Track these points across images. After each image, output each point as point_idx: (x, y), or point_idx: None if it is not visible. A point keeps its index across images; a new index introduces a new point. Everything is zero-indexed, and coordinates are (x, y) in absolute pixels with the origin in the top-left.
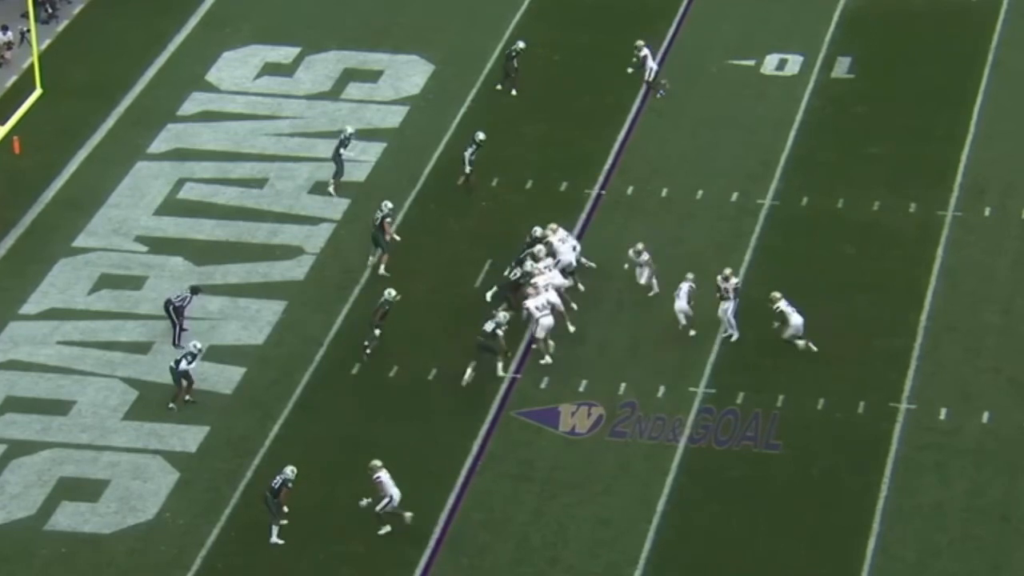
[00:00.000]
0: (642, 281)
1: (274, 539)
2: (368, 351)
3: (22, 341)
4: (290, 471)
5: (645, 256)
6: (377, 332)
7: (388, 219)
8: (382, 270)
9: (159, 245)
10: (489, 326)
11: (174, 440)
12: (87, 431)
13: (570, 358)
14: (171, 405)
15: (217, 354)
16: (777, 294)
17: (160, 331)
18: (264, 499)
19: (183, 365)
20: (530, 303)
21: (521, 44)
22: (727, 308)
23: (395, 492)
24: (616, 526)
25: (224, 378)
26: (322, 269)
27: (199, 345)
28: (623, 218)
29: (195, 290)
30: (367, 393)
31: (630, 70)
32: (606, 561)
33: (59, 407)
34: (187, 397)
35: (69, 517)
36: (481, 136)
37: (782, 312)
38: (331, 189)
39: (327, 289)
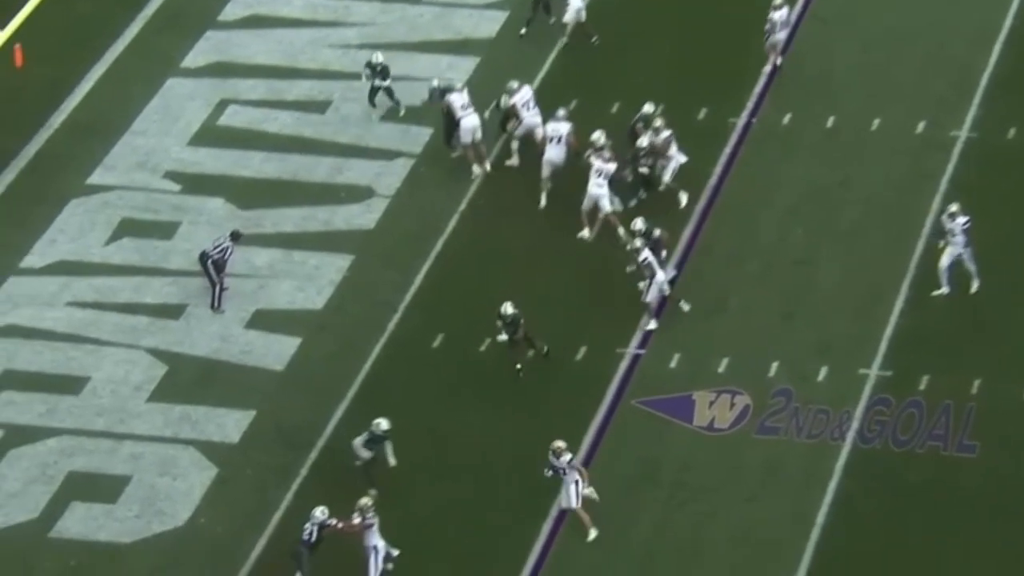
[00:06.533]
0: (647, 295)
1: None
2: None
3: (24, 301)
4: (320, 513)
5: (641, 252)
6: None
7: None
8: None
9: (194, 183)
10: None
11: (211, 427)
12: (103, 415)
13: (707, 330)
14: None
15: (265, 321)
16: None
17: (195, 291)
18: (296, 555)
19: (361, 443)
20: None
21: None
22: (954, 255)
23: (381, 543)
24: (764, 543)
25: (274, 351)
26: (397, 216)
27: (384, 426)
28: (777, 153)
29: (236, 236)
30: (453, 372)
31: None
32: None
33: (69, 384)
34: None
35: (80, 522)
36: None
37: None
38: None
39: (403, 240)
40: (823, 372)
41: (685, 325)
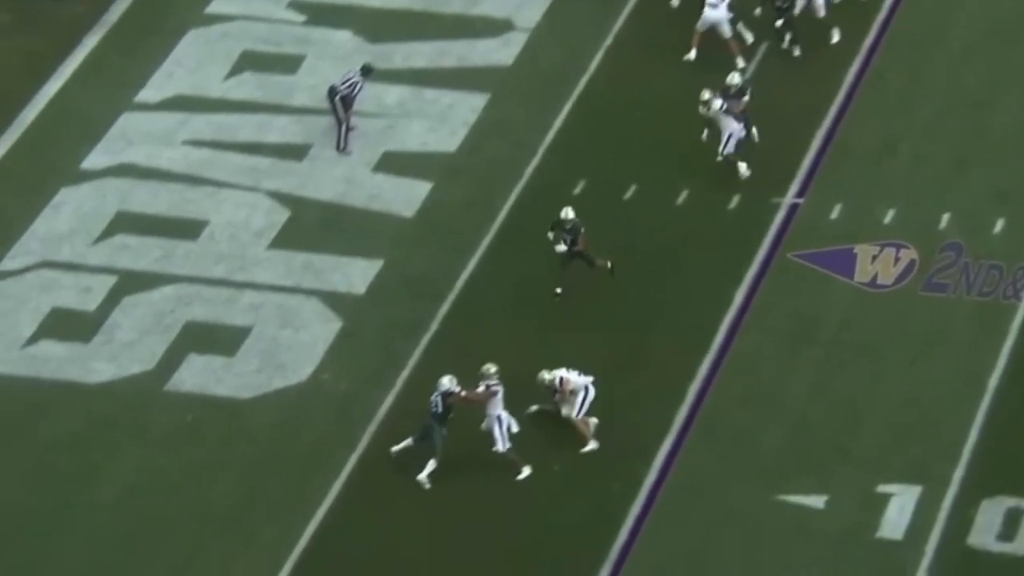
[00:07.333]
0: (723, 150)
1: (424, 477)
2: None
3: (138, 139)
4: (448, 382)
5: (716, 104)
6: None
7: None
8: None
9: (320, 14)
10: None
11: (336, 277)
12: (222, 262)
13: (873, 177)
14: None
15: (394, 164)
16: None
17: (319, 130)
18: (425, 431)
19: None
20: None
21: None
22: None
23: (505, 413)
24: (928, 408)
25: (403, 196)
26: (537, 51)
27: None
28: None
29: (367, 70)
30: (594, 220)
31: None
32: (913, 453)
33: (186, 228)
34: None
35: (197, 375)
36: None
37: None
38: None
39: (543, 78)
40: (999, 224)
41: (848, 172)
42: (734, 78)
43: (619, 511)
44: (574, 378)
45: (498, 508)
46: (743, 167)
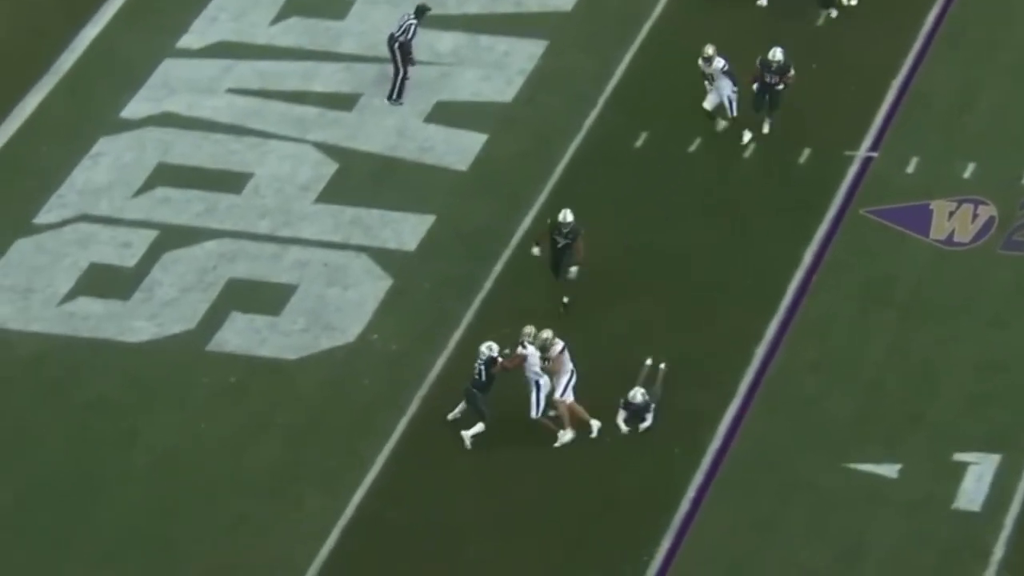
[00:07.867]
0: (707, 105)
1: (469, 436)
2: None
3: (181, 87)
4: (487, 349)
5: (718, 64)
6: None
7: None
8: None
9: None
10: None
11: (386, 233)
12: (267, 216)
13: (951, 130)
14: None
15: (447, 114)
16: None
17: (369, 79)
18: (468, 397)
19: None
20: None
21: None
22: None
23: (544, 379)
24: (1008, 372)
25: (456, 148)
26: None
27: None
28: None
29: (420, 11)
30: (656, 175)
31: None
32: (992, 421)
33: (230, 181)
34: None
35: (240, 335)
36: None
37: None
38: None
39: (604, 25)
40: None
41: (925, 123)
42: (776, 54)
43: (682, 478)
44: (566, 358)
45: (554, 474)
46: (721, 124)
